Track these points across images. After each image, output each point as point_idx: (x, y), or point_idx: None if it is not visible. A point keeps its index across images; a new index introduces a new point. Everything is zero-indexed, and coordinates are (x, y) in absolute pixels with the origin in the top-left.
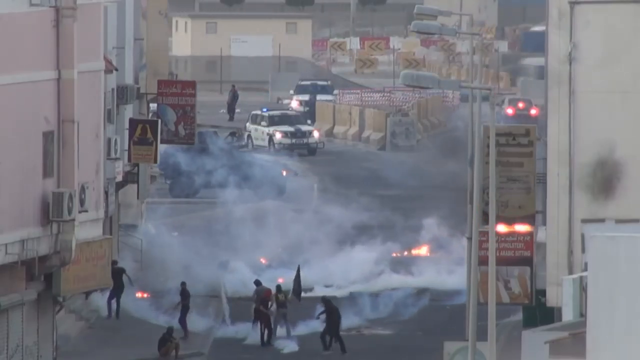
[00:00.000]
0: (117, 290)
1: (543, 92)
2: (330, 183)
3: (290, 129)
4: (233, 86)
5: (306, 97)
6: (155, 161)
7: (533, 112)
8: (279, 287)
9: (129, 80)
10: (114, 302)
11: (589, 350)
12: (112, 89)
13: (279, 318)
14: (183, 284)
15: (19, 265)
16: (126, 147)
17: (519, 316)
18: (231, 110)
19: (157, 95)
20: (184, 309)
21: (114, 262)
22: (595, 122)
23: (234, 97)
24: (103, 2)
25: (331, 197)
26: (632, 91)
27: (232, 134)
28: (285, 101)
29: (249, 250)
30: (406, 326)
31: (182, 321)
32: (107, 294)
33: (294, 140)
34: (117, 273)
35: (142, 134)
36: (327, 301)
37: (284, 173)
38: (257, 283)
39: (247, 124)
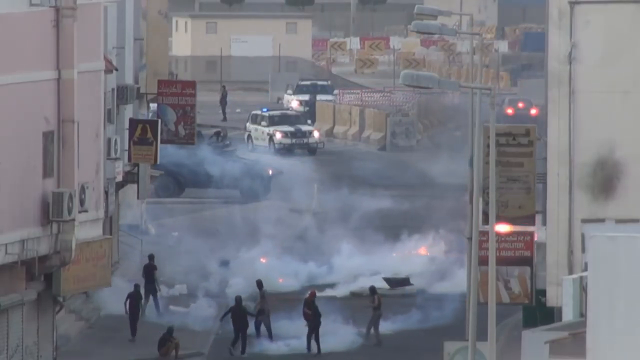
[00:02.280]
0: (149, 286)
1: (543, 92)
2: (332, 182)
3: (291, 129)
4: (223, 86)
5: (306, 97)
6: (156, 161)
7: (533, 112)
8: (372, 289)
9: (129, 80)
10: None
11: (589, 350)
12: (112, 89)
13: (374, 320)
14: (136, 285)
15: (19, 265)
16: (126, 147)
17: (519, 316)
18: (222, 110)
19: (157, 95)
20: (134, 310)
21: (151, 258)
22: (595, 122)
23: (223, 96)
24: (103, 2)
25: (336, 196)
26: (632, 91)
27: (217, 134)
28: (284, 100)
29: (270, 248)
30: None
31: (130, 321)
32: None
33: (294, 140)
34: (150, 269)
35: (142, 134)
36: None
37: (270, 172)
38: (259, 284)
39: (247, 124)
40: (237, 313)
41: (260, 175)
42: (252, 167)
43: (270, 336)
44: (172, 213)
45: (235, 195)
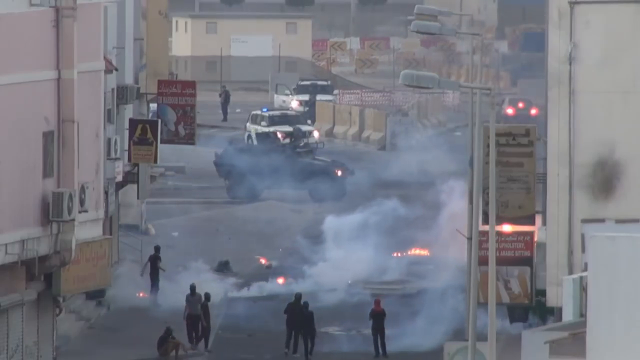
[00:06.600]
0: (153, 276)
1: (543, 92)
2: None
3: (290, 129)
4: (224, 87)
5: (306, 97)
6: (155, 161)
7: (533, 112)
8: None
9: (129, 80)
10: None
11: (589, 350)
12: (112, 89)
13: None
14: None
15: (19, 265)
16: (126, 147)
17: None
18: (224, 110)
19: (157, 95)
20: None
21: (156, 249)
22: (595, 122)
23: (226, 98)
24: (103, 2)
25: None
26: (632, 91)
27: (290, 134)
28: (274, 99)
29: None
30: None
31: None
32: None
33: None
34: (154, 260)
35: (142, 134)
36: (305, 305)
37: (339, 173)
38: (192, 289)
39: (247, 124)
40: (294, 311)
41: (334, 177)
42: (326, 168)
43: (196, 341)
44: (184, 212)
45: (305, 197)
